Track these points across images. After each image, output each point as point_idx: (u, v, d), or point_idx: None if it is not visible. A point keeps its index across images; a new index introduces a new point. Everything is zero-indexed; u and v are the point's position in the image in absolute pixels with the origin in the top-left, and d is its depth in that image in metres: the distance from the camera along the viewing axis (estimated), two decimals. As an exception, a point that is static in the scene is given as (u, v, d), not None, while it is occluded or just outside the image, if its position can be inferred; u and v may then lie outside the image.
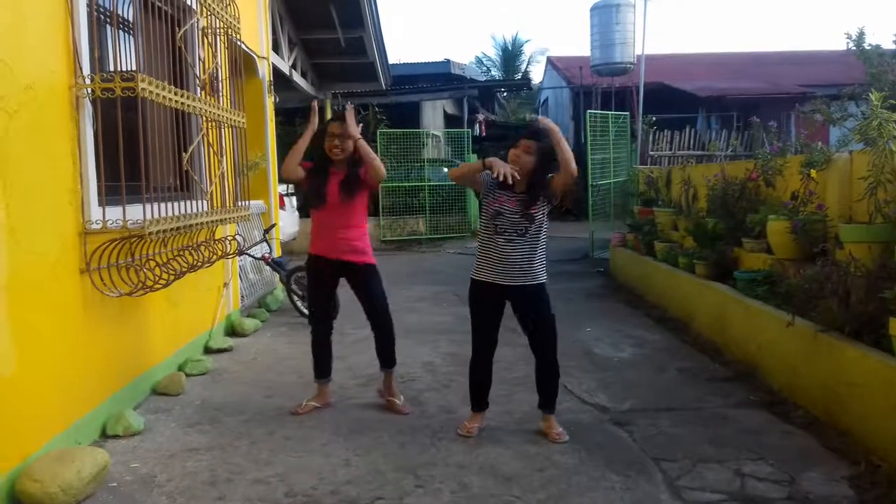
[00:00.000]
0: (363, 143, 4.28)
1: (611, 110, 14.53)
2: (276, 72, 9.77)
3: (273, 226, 8.17)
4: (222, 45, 5.38)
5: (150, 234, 3.91)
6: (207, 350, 5.88)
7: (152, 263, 4.29)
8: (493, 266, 3.96)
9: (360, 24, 11.71)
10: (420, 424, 4.26)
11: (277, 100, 9.44)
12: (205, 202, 5.06)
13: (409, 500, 3.31)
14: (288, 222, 10.89)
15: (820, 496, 3.29)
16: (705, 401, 4.66)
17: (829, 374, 4.05)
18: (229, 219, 5.30)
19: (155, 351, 4.88)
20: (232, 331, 6.53)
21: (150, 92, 3.88)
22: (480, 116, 20.54)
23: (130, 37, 4.45)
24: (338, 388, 4.84)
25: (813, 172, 5.39)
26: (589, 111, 12.17)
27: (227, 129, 5.37)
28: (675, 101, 18.07)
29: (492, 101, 27.59)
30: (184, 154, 4.69)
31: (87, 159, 3.89)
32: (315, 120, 4.50)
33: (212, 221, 4.87)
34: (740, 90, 19.14)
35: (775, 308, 4.86)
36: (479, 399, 4.19)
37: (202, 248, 4.97)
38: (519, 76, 31.95)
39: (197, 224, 4.59)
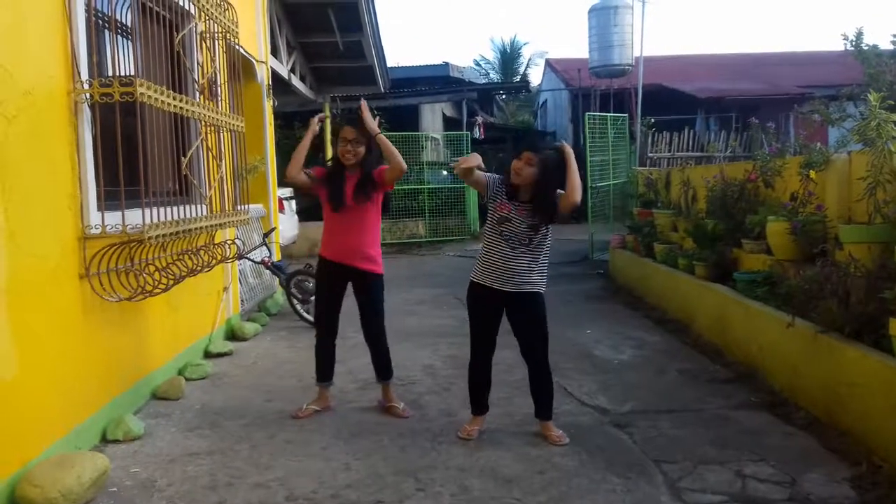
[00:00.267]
0: (383, 138, 4.27)
1: (609, 112, 14.53)
2: (275, 75, 9.78)
3: (272, 230, 8.18)
4: (221, 49, 5.38)
5: (149, 238, 3.91)
6: (207, 354, 5.88)
7: (152, 268, 4.29)
8: (494, 271, 3.96)
9: (358, 27, 11.72)
10: (420, 428, 4.26)
11: (276, 103, 9.45)
12: (204, 206, 5.06)
13: (410, 504, 3.31)
14: (287, 226, 10.89)
15: (821, 497, 3.28)
16: (706, 402, 4.65)
17: (830, 375, 4.05)
18: (229, 223, 5.30)
19: (155, 355, 4.88)
20: (232, 335, 6.53)
21: (149, 97, 3.89)
22: (479, 119, 20.55)
23: (129, 42, 4.45)
24: (338, 391, 4.83)
25: (812, 173, 5.39)
26: (588, 113, 12.18)
27: (225, 134, 5.37)
28: (673, 103, 18.07)
29: (490, 103, 27.62)
30: (183, 158, 4.69)
31: (86, 164, 3.90)
32: (315, 126, 4.49)
33: (211, 226, 4.87)
34: (739, 91, 19.15)
35: (775, 309, 4.86)
36: (478, 402, 4.18)
37: (202, 252, 4.97)
38: (517, 79, 32.03)
39: (196, 228, 4.59)
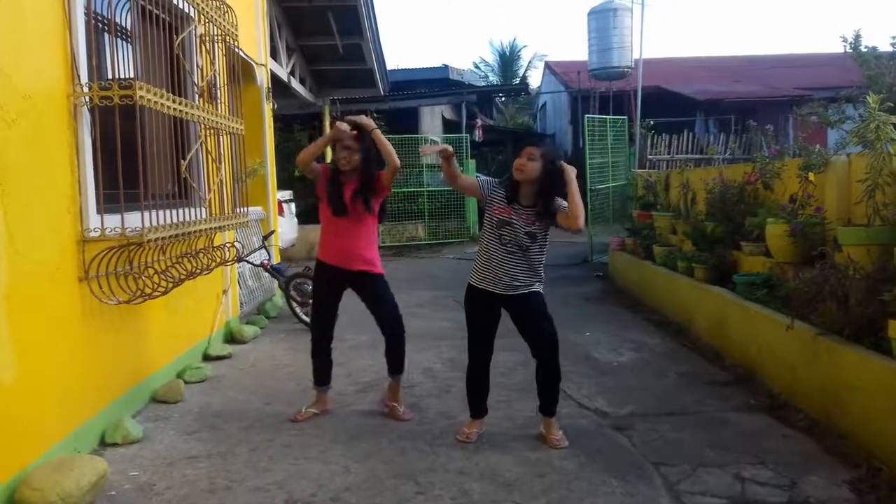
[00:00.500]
0: (378, 134, 4.25)
1: (609, 114, 14.54)
2: (275, 78, 9.79)
3: (272, 232, 8.17)
4: (220, 52, 5.39)
5: (148, 241, 3.91)
6: (206, 357, 5.87)
7: (151, 271, 4.29)
8: (491, 274, 3.96)
9: (358, 30, 11.74)
10: (420, 430, 4.26)
11: (276, 106, 9.46)
12: (203, 209, 5.05)
13: (409, 507, 3.30)
14: (287, 229, 10.89)
15: (820, 500, 3.28)
16: (705, 405, 4.65)
17: (829, 378, 4.05)
18: (228, 226, 5.30)
19: (154, 358, 4.88)
20: (231, 338, 6.53)
21: (148, 100, 3.89)
22: (478, 122, 20.56)
23: (128, 45, 4.45)
24: (337, 394, 4.83)
25: (811, 175, 5.39)
26: (587, 115, 12.19)
27: (225, 136, 5.37)
28: (672, 105, 18.09)
29: (490, 106, 27.63)
30: (182, 161, 4.69)
31: (85, 167, 3.90)
32: (337, 133, 4.41)
33: (210, 228, 4.87)
34: (738, 93, 19.18)
35: (775, 311, 4.85)
36: (477, 405, 4.18)
37: (201, 255, 4.97)
38: (517, 81, 32.03)
39: (195, 231, 4.59)
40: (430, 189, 15.07)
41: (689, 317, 6.60)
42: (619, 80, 18.54)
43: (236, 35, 5.65)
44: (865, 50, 6.49)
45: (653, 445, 3.98)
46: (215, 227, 4.98)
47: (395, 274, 10.67)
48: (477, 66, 35.01)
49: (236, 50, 5.83)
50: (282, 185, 11.16)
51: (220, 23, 5.31)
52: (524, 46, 47.37)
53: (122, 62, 4.42)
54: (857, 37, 6.58)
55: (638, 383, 5.17)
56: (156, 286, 4.30)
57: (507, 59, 34.95)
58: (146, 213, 3.95)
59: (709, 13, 78.68)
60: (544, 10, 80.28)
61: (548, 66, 27.01)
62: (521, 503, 3.31)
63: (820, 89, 16.45)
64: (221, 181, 5.27)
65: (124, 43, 4.48)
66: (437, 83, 20.28)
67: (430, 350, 6.14)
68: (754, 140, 10.05)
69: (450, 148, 3.99)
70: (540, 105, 29.61)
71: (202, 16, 5.04)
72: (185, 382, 5.10)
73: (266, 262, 7.52)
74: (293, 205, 12.05)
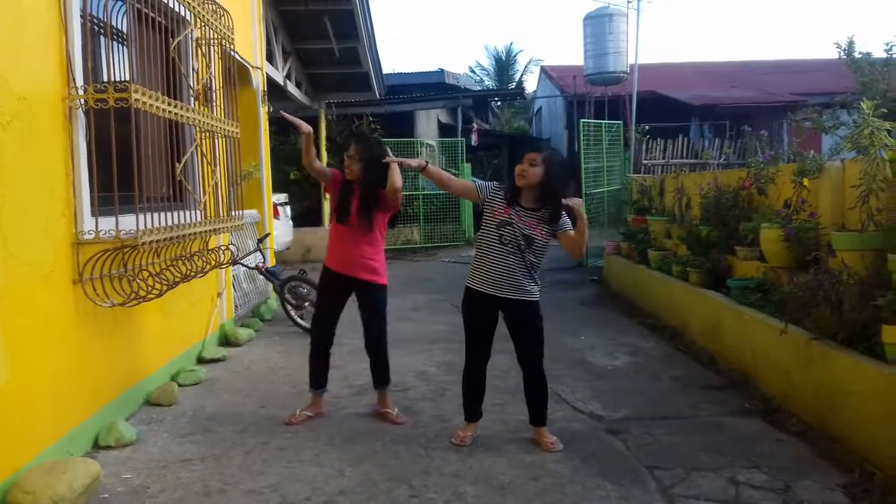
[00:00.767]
0: (394, 167, 4.21)
1: (604, 119, 14.58)
2: (271, 81, 9.79)
3: (267, 235, 8.16)
4: (216, 55, 5.39)
5: (143, 244, 3.90)
6: (201, 360, 5.86)
7: (145, 274, 4.28)
8: (489, 276, 3.96)
9: (354, 34, 11.75)
10: (414, 434, 4.25)
11: (271, 109, 9.45)
12: (198, 212, 5.05)
13: (404, 511, 3.30)
14: (282, 232, 10.88)
15: (814, 504, 3.29)
16: (699, 409, 4.66)
17: (823, 382, 4.06)
18: (223, 228, 5.29)
19: (148, 361, 4.87)
20: (225, 340, 6.52)
21: (144, 103, 3.88)
22: (474, 126, 20.58)
23: (124, 48, 4.45)
24: (332, 397, 4.82)
25: (805, 181, 5.41)
26: (582, 120, 12.23)
27: (220, 139, 5.37)
28: (668, 110, 18.14)
29: (486, 110, 27.66)
30: (177, 164, 4.69)
31: (80, 170, 3.89)
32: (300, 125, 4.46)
33: (205, 231, 4.86)
34: (733, 99, 19.23)
35: (769, 316, 4.87)
36: (472, 409, 4.17)
37: (195, 257, 4.96)
38: (513, 86, 32.08)
39: (190, 234, 4.58)
40: (425, 192, 15.08)
41: (683, 321, 6.62)
42: (615, 85, 18.57)
43: (232, 38, 5.65)
44: (859, 56, 6.53)
45: (647, 449, 3.98)
46: (210, 230, 4.97)
47: (390, 277, 10.67)
48: (473, 71, 35.08)
49: (232, 53, 5.83)
50: (277, 188, 11.16)
51: (216, 26, 5.31)
52: (520, 51, 47.47)
53: (118, 65, 4.42)
54: (851, 43, 6.62)
55: (632, 387, 5.17)
56: (150, 289, 4.29)
57: (503, 64, 35.00)
58: (141, 216, 3.94)
59: (704, 19, 78.99)
60: (540, 15, 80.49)
61: (544, 70, 27.04)
62: (516, 507, 3.31)
63: (814, 95, 16.50)
64: (216, 184, 5.26)
65: (120, 46, 4.48)
66: (433, 87, 20.31)
67: (424, 353, 6.14)
68: (749, 145, 10.10)
69: (423, 161, 4.03)
70: (536, 109, 29.64)
71: (198, 19, 5.04)
72: (179, 385, 5.09)
73: (261, 264, 7.51)
74: (288, 208, 12.05)
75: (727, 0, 73.21)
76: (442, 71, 22.03)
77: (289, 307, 7.25)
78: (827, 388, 4.02)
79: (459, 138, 16.41)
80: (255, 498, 3.41)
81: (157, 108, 4.06)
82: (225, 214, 5.37)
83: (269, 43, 10.01)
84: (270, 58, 10.14)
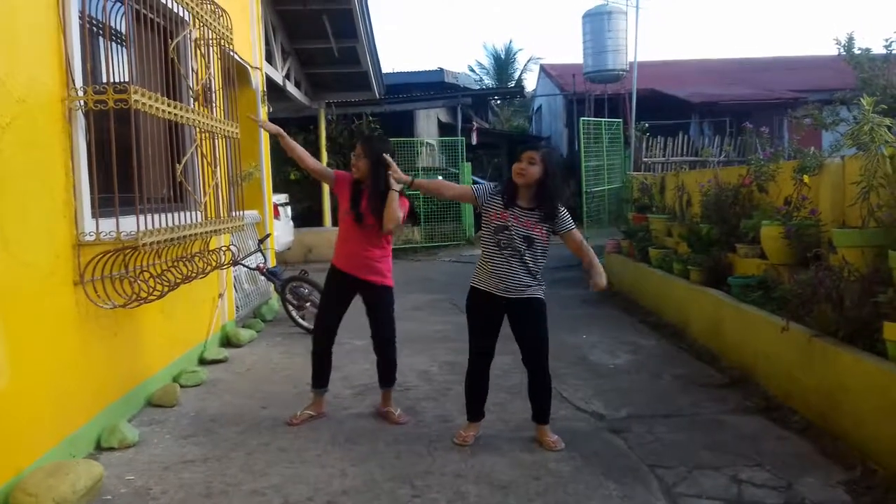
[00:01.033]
0: (392, 194, 4.21)
1: (604, 117, 14.57)
2: (270, 82, 9.78)
3: (268, 236, 8.17)
4: (215, 55, 5.39)
5: (143, 245, 3.90)
6: (202, 361, 5.86)
7: (146, 275, 4.28)
8: (493, 278, 3.95)
9: (353, 34, 11.75)
10: (416, 433, 4.25)
11: (271, 109, 9.46)
12: (199, 213, 5.05)
13: (406, 510, 3.30)
14: (282, 232, 10.88)
15: (816, 501, 3.29)
16: (701, 407, 4.66)
17: (824, 379, 4.06)
18: (223, 229, 5.29)
19: (149, 362, 4.87)
20: (227, 341, 6.52)
21: (143, 104, 3.88)
22: (474, 125, 20.59)
23: (123, 48, 4.45)
24: (333, 397, 4.82)
25: (806, 178, 5.41)
26: (582, 118, 12.22)
27: (220, 140, 5.36)
28: (667, 108, 18.15)
29: (485, 109, 27.67)
30: (177, 165, 4.69)
31: (80, 171, 3.89)
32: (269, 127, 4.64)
33: (206, 232, 4.86)
34: (733, 96, 19.24)
35: (770, 313, 4.86)
36: (475, 409, 4.17)
37: (196, 258, 4.96)
38: (512, 84, 32.08)
39: (191, 235, 4.58)
40: (425, 192, 15.06)
41: (684, 319, 6.61)
42: (615, 83, 18.59)
43: (231, 39, 5.65)
44: (859, 52, 6.53)
45: (649, 448, 3.98)
46: (211, 231, 4.97)
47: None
48: (472, 70, 35.09)
49: (231, 53, 5.83)
50: (277, 189, 11.16)
51: (215, 26, 5.30)
52: (520, 50, 47.43)
53: (117, 66, 4.42)
54: (851, 39, 6.62)
55: (634, 386, 5.17)
56: (151, 290, 4.29)
57: (503, 63, 35.01)
58: (141, 217, 3.94)
59: (703, 16, 78.93)
60: (539, 14, 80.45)
61: (543, 69, 27.05)
62: (518, 506, 3.31)
63: (814, 92, 16.51)
64: (217, 185, 5.26)
65: (119, 47, 4.48)
66: (433, 86, 20.31)
67: (426, 353, 6.14)
68: (749, 142, 10.09)
69: (407, 178, 4.11)
70: (535, 108, 29.65)
71: (197, 19, 5.04)
72: (181, 386, 5.09)
73: (262, 265, 7.51)
74: (289, 208, 12.05)
75: (726, -3, 73.16)
76: (441, 70, 22.04)
77: (290, 307, 7.25)
78: (828, 386, 4.02)
79: (459, 137, 16.40)
80: (258, 499, 3.41)
81: (157, 108, 4.06)
82: (225, 215, 5.37)
83: (268, 43, 10.01)
84: (270, 58, 10.14)
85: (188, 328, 5.70)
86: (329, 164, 14.19)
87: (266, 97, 8.73)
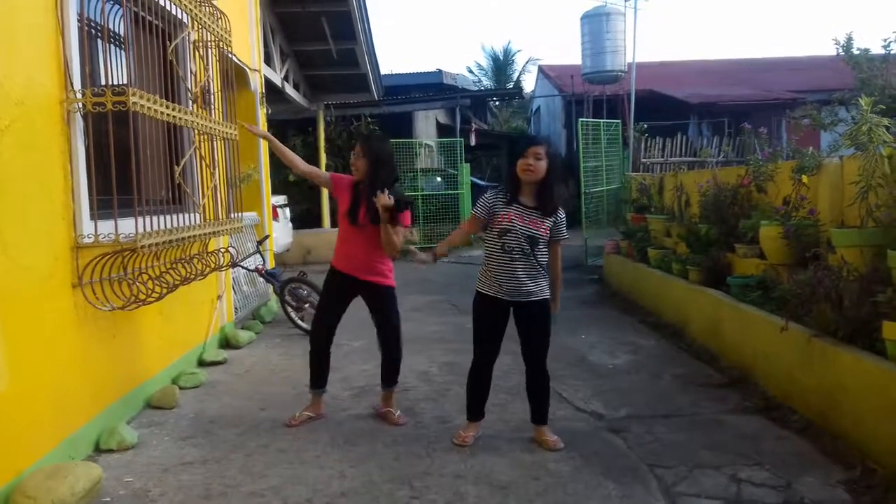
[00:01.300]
0: (392, 226, 4.21)
1: (602, 118, 14.58)
2: (269, 84, 9.79)
3: (266, 237, 8.16)
4: (214, 58, 5.39)
5: (142, 247, 3.90)
6: (201, 363, 5.86)
7: (145, 277, 4.28)
8: (499, 282, 3.94)
9: (351, 35, 11.75)
10: (415, 434, 4.25)
11: (270, 111, 9.45)
12: (197, 215, 5.05)
13: (405, 511, 3.30)
14: (281, 234, 10.87)
15: (816, 501, 3.29)
16: (701, 407, 4.66)
17: (824, 379, 4.06)
18: (222, 231, 5.29)
19: (148, 364, 4.86)
20: (226, 343, 6.51)
21: (142, 106, 3.88)
22: (473, 126, 20.59)
23: (121, 51, 4.45)
24: (332, 399, 4.82)
25: (804, 178, 5.41)
26: (581, 119, 12.23)
27: (219, 142, 5.36)
28: (666, 109, 18.14)
29: (484, 110, 27.67)
30: (176, 167, 4.69)
31: (78, 173, 3.89)
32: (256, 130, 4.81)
33: (204, 234, 4.86)
34: (731, 97, 19.24)
35: (769, 313, 4.86)
36: (476, 408, 4.17)
37: (195, 260, 4.96)
38: (511, 85, 32.10)
39: (189, 237, 4.58)
40: (424, 193, 15.07)
41: (684, 319, 6.62)
42: (613, 84, 18.60)
43: (230, 41, 5.65)
44: (857, 53, 6.54)
45: (648, 448, 3.98)
46: (209, 233, 4.97)
47: (390, 278, 10.69)
48: (471, 71, 35.11)
49: (230, 55, 5.83)
50: (276, 190, 11.16)
51: (214, 28, 5.30)
52: (518, 51, 47.46)
53: (116, 68, 4.41)
54: (849, 40, 6.62)
55: (633, 386, 5.17)
56: (150, 292, 4.29)
57: (501, 64, 35.03)
58: (140, 219, 3.94)
59: (702, 17, 79.02)
60: (538, 15, 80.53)
61: (542, 70, 27.05)
62: (517, 506, 3.31)
63: (813, 92, 16.52)
64: (215, 186, 5.26)
65: (118, 49, 4.48)
66: (431, 88, 20.32)
67: (425, 354, 6.14)
68: (747, 143, 10.10)
69: (430, 257, 4.13)
70: (534, 109, 29.64)
71: (195, 22, 5.04)
72: (180, 388, 5.09)
73: (261, 266, 7.51)
74: (287, 209, 12.03)
75: (724, -2, 73.27)
76: (440, 71, 22.04)
77: (289, 309, 7.25)
78: (828, 385, 4.02)
79: (458, 138, 16.40)
80: (257, 500, 3.41)
81: (156, 111, 4.06)
82: (224, 217, 5.37)
83: (266, 45, 10.01)
84: (268, 60, 10.14)
85: (187, 330, 5.70)
86: (328, 166, 14.18)
87: (265, 99, 8.73)
